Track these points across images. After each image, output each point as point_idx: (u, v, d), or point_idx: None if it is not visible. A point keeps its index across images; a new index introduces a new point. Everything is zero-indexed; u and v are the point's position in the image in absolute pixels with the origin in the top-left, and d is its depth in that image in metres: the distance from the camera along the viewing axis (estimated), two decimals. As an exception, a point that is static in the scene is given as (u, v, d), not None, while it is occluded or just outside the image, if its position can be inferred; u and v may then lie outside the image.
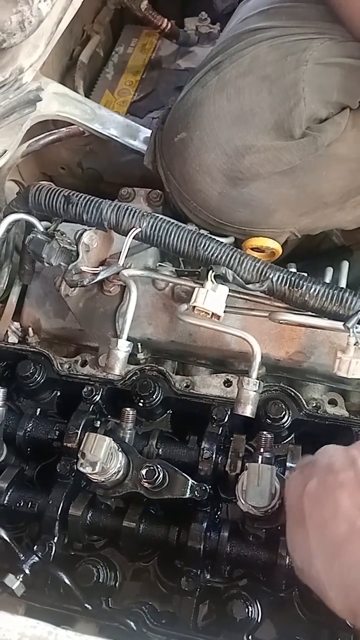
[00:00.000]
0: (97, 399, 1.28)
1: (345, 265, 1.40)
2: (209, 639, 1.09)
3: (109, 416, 1.32)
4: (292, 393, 1.26)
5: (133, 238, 1.27)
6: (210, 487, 1.15)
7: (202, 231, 1.37)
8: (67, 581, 1.11)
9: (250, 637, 1.10)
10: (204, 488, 1.14)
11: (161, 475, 1.12)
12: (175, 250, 1.27)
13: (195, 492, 1.13)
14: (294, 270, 1.28)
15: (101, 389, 1.29)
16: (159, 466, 1.13)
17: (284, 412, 1.23)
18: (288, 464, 1.19)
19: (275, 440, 1.21)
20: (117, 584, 1.20)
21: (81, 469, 1.08)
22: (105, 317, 1.46)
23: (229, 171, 1.40)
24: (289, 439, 1.30)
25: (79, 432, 1.21)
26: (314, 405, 1.29)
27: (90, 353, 1.42)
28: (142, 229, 1.26)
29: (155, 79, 2.22)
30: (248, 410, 1.20)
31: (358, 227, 1.62)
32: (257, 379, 1.22)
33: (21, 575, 1.08)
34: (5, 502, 1.20)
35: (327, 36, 1.33)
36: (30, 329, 1.54)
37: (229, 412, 1.23)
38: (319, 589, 0.87)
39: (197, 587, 1.11)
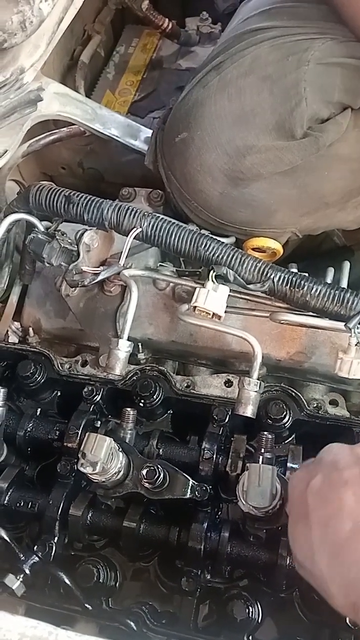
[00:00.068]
0: (98, 399, 1.28)
1: (346, 265, 1.40)
2: (209, 639, 1.09)
3: (110, 416, 1.32)
4: (293, 393, 1.26)
5: (134, 238, 1.27)
6: (210, 487, 1.15)
7: (203, 231, 1.37)
8: (67, 581, 1.11)
9: (250, 638, 1.10)
10: (204, 488, 1.13)
11: (162, 476, 1.12)
12: (176, 250, 1.27)
13: (196, 493, 1.13)
14: (295, 270, 1.28)
15: (102, 389, 1.29)
16: (159, 466, 1.13)
17: (284, 413, 1.23)
18: (289, 465, 1.19)
19: (276, 441, 1.21)
20: (117, 584, 1.20)
21: (81, 469, 1.08)
22: (106, 317, 1.46)
23: (230, 171, 1.40)
24: (290, 439, 1.30)
25: (80, 432, 1.21)
26: (315, 405, 1.29)
27: (90, 353, 1.42)
28: (143, 229, 1.26)
29: (156, 79, 2.22)
30: (249, 411, 1.20)
31: (359, 227, 1.62)
32: (258, 379, 1.22)
33: (21, 575, 1.08)
34: (5, 502, 1.20)
35: (329, 36, 1.33)
36: (30, 329, 1.54)
37: (229, 413, 1.22)
38: (320, 585, 0.87)
39: (197, 588, 1.11)
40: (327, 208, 1.50)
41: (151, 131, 1.65)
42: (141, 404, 1.28)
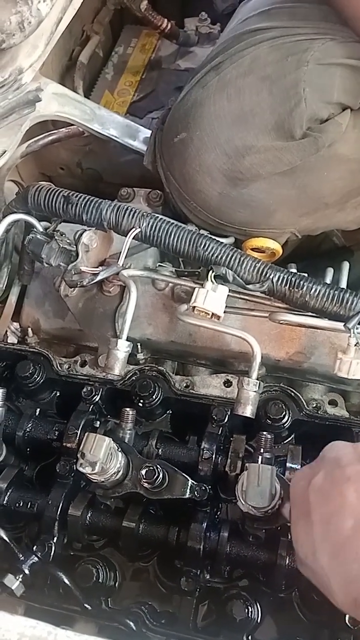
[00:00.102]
0: (97, 399, 1.28)
1: (345, 265, 1.40)
2: (208, 639, 1.09)
3: (109, 416, 1.32)
4: (292, 393, 1.26)
5: (133, 238, 1.27)
6: (210, 487, 1.15)
7: (202, 231, 1.37)
8: (66, 581, 1.11)
9: (250, 638, 1.10)
10: (203, 488, 1.13)
11: (161, 476, 1.12)
12: (175, 250, 1.27)
13: (195, 492, 1.13)
14: (294, 270, 1.28)
15: (101, 389, 1.29)
16: (158, 466, 1.13)
17: (284, 413, 1.23)
18: (288, 465, 1.19)
19: (275, 441, 1.21)
20: (116, 584, 1.20)
21: (81, 469, 1.08)
22: (105, 318, 1.46)
23: (229, 171, 1.40)
24: (289, 439, 1.30)
25: (79, 432, 1.21)
26: (314, 405, 1.29)
27: (89, 353, 1.42)
28: (142, 229, 1.26)
29: (155, 79, 2.22)
30: (248, 411, 1.20)
31: (359, 227, 1.62)
32: (257, 379, 1.22)
33: (20, 576, 1.08)
34: (4, 502, 1.20)
35: (328, 37, 1.33)
36: (29, 329, 1.54)
37: (228, 413, 1.22)
38: (321, 582, 0.87)
39: (196, 587, 1.11)
40: (326, 208, 1.50)
41: (150, 131, 1.65)
42: (140, 404, 1.28)
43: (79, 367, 1.38)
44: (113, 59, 2.33)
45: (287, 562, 1.07)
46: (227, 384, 1.34)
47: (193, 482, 1.14)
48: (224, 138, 1.37)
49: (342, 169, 1.43)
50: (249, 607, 1.11)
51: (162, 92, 2.14)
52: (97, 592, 1.15)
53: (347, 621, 1.05)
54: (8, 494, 1.21)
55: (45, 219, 1.41)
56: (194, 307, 1.27)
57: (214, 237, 1.29)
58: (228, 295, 1.28)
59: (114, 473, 1.12)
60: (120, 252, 1.29)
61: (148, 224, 1.26)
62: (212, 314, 1.27)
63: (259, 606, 1.13)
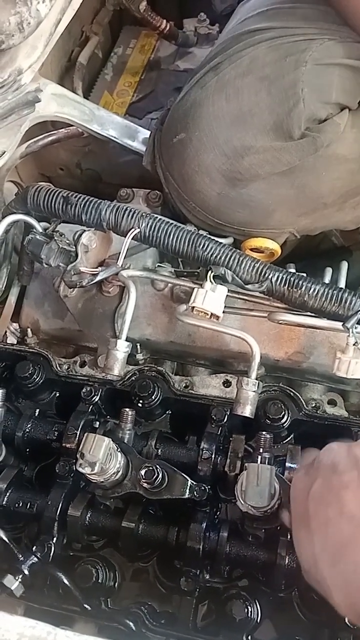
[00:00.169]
0: (96, 400, 1.28)
1: (344, 265, 1.40)
2: (208, 639, 1.09)
3: (108, 417, 1.32)
4: (292, 393, 1.26)
5: (132, 239, 1.27)
6: (209, 487, 1.15)
7: (201, 232, 1.37)
8: (66, 581, 1.11)
9: (249, 637, 1.10)
10: (203, 488, 1.13)
11: (160, 476, 1.12)
12: (174, 250, 1.27)
13: (195, 493, 1.13)
14: (293, 270, 1.28)
15: (100, 390, 1.29)
16: (158, 466, 1.13)
17: (283, 413, 1.23)
18: (287, 464, 1.19)
19: (275, 441, 1.21)
20: (116, 584, 1.20)
21: (80, 469, 1.08)
22: (104, 318, 1.46)
23: (228, 172, 1.40)
24: (289, 439, 1.30)
25: (78, 432, 1.21)
26: (313, 405, 1.29)
27: (89, 354, 1.42)
28: (141, 229, 1.27)
29: (154, 79, 2.22)
30: (247, 411, 1.20)
31: (357, 227, 1.62)
32: (256, 379, 1.22)
33: (20, 576, 1.08)
34: (4, 502, 1.20)
35: (327, 37, 1.33)
36: (29, 330, 1.54)
37: (228, 413, 1.22)
38: (323, 590, 0.86)
39: (196, 587, 1.11)
40: (325, 208, 1.50)
41: (149, 132, 1.65)
42: (140, 405, 1.28)
43: (79, 367, 1.38)
44: (112, 60, 2.33)
45: (287, 561, 1.07)
46: (227, 384, 1.34)
47: (192, 482, 1.14)
48: (222, 138, 1.38)
49: (341, 169, 1.43)
50: (249, 607, 1.11)
51: (161, 93, 2.14)
52: (96, 592, 1.15)
53: (347, 621, 1.04)
54: (7, 494, 1.21)
55: (45, 220, 1.41)
56: (193, 307, 1.27)
57: (213, 237, 1.29)
58: (227, 295, 1.28)
59: (114, 473, 1.12)
60: (120, 253, 1.29)
61: (147, 225, 1.27)
62: (211, 314, 1.27)
63: (258, 606, 1.13)
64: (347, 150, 1.41)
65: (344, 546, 0.83)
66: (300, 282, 1.21)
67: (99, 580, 1.16)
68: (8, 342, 1.52)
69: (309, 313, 1.26)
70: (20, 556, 1.10)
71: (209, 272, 1.25)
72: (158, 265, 1.48)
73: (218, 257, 1.24)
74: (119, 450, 1.13)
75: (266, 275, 1.23)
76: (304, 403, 1.25)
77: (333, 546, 0.85)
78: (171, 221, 1.29)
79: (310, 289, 1.21)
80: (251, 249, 1.47)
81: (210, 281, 1.25)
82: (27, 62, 1.45)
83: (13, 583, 1.07)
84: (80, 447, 1.10)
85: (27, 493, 1.23)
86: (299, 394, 1.26)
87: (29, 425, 1.29)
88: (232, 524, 1.17)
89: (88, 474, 1.09)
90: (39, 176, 2.07)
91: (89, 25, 2.28)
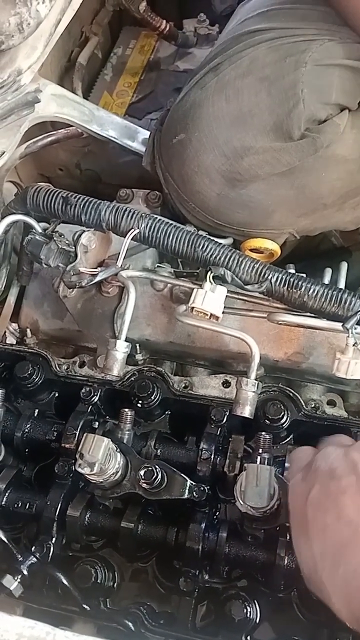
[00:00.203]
0: (96, 400, 1.28)
1: (344, 266, 1.40)
2: (207, 639, 1.09)
3: (107, 417, 1.32)
4: (291, 394, 1.26)
5: (131, 239, 1.27)
6: (208, 487, 1.15)
7: (200, 232, 1.37)
8: (65, 582, 1.11)
9: (248, 638, 1.10)
10: (202, 489, 1.13)
11: (159, 476, 1.12)
12: (174, 251, 1.27)
13: (194, 493, 1.13)
14: (292, 271, 1.28)
15: (99, 390, 1.29)
16: (157, 467, 1.13)
17: (282, 413, 1.23)
18: (287, 465, 1.19)
19: (274, 441, 1.21)
20: (115, 585, 1.20)
21: (79, 469, 1.08)
22: (104, 318, 1.46)
23: (228, 172, 1.40)
24: (288, 439, 1.30)
25: (77, 432, 1.21)
26: (312, 406, 1.29)
27: (88, 354, 1.42)
28: (141, 230, 1.27)
29: (154, 80, 2.22)
30: (246, 411, 1.20)
31: (357, 228, 1.62)
32: (256, 379, 1.22)
33: (19, 576, 1.08)
34: (3, 502, 1.20)
35: (327, 37, 1.33)
36: (28, 330, 1.54)
37: (227, 413, 1.22)
38: (324, 596, 0.86)
39: (195, 588, 1.11)
40: (324, 209, 1.50)
41: (149, 132, 1.65)
42: (139, 405, 1.28)
43: (78, 367, 1.38)
44: (112, 60, 2.33)
45: (286, 562, 1.07)
46: (226, 384, 1.34)
47: (192, 482, 1.14)
48: (222, 139, 1.38)
49: (340, 170, 1.43)
50: (248, 607, 1.11)
51: (161, 93, 2.14)
52: (95, 592, 1.15)
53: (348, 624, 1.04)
54: (6, 494, 1.21)
55: (44, 220, 1.41)
56: (192, 307, 1.27)
57: (212, 238, 1.29)
58: (226, 295, 1.28)
59: (113, 473, 1.12)
60: (119, 253, 1.29)
61: (147, 225, 1.27)
62: (211, 314, 1.27)
63: (257, 606, 1.12)
64: (346, 151, 1.41)
65: (343, 551, 0.83)
66: (300, 283, 1.21)
67: (98, 581, 1.16)
68: (7, 342, 1.52)
69: (308, 314, 1.26)
70: (19, 556, 1.10)
71: (209, 272, 1.25)
72: (157, 266, 1.48)
73: (217, 257, 1.24)
74: (118, 450, 1.13)
75: (266, 275, 1.23)
76: (303, 403, 1.25)
77: (332, 551, 0.85)
78: (171, 222, 1.29)
79: (309, 290, 1.21)
80: (251, 250, 1.47)
81: (210, 282, 1.25)
82: (26, 63, 1.45)
83: (12, 583, 1.07)
84: (80, 447, 1.10)
85: (26, 493, 1.23)
86: (299, 395, 1.26)
87: (28, 426, 1.28)
88: (231, 524, 1.17)
89: (87, 474, 1.09)
90: (38, 176, 2.07)
91: (89, 26, 2.28)
